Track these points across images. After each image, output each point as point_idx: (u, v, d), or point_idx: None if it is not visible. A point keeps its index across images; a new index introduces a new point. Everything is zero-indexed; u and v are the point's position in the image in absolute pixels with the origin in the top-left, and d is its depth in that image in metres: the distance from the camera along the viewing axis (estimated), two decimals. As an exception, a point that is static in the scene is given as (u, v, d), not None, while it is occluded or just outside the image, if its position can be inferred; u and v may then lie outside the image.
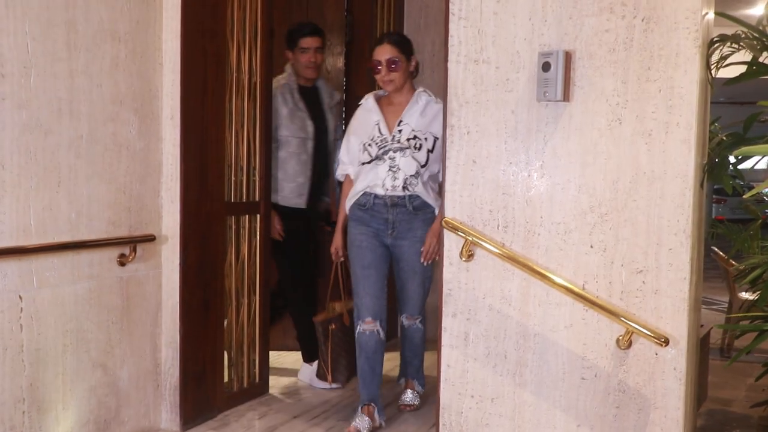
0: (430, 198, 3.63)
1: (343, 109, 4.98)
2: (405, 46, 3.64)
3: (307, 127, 4.39)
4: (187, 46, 3.53)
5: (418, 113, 3.63)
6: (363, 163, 3.65)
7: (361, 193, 3.64)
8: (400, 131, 3.61)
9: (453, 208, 3.05)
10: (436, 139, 3.58)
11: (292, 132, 4.35)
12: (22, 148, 2.88)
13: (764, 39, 3.05)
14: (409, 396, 4.00)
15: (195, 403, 3.67)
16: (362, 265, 3.66)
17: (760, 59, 3.08)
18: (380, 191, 3.60)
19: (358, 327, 3.69)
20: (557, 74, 2.82)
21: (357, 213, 3.68)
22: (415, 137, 3.59)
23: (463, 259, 3.00)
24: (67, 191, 3.08)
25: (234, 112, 3.88)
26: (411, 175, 3.58)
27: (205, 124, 3.68)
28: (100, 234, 3.24)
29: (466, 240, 2.97)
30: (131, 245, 3.35)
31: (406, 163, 3.58)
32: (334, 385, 4.35)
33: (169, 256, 3.59)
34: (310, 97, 4.46)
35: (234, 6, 3.84)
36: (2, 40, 2.79)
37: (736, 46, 3.09)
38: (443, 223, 3.05)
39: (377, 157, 3.60)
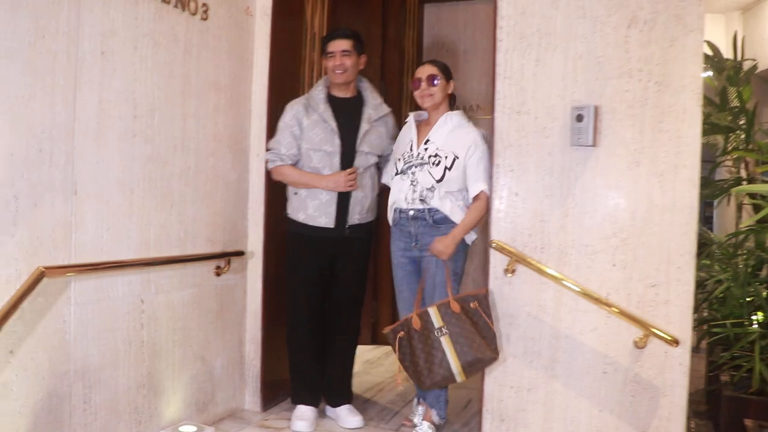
0: (447, 210, 2.93)
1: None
2: (445, 70, 3.05)
3: (334, 139, 3.08)
4: (271, 98, 3.26)
5: (445, 133, 2.98)
6: (393, 177, 3.07)
7: (391, 208, 3.07)
8: (426, 149, 2.98)
9: (498, 232, 2.79)
10: (456, 158, 2.91)
11: (314, 145, 3.07)
12: (146, 176, 2.61)
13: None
14: (423, 429, 3.02)
15: (272, 388, 3.36)
16: (396, 281, 3.13)
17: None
18: (403, 204, 2.99)
19: None
20: (589, 124, 2.60)
21: (392, 229, 3.10)
22: (436, 155, 2.94)
23: (508, 275, 2.73)
24: (177, 213, 2.80)
25: (304, 151, 3.60)
26: (427, 189, 2.93)
27: (282, 161, 3.40)
28: (201, 249, 2.95)
29: (511, 259, 2.71)
30: (226, 259, 3.06)
31: (423, 177, 2.94)
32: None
33: (254, 268, 3.29)
34: (344, 108, 3.14)
35: (305, 67, 3.60)
36: (137, 88, 2.54)
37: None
38: (489, 242, 2.77)
39: (402, 171, 3.01)
